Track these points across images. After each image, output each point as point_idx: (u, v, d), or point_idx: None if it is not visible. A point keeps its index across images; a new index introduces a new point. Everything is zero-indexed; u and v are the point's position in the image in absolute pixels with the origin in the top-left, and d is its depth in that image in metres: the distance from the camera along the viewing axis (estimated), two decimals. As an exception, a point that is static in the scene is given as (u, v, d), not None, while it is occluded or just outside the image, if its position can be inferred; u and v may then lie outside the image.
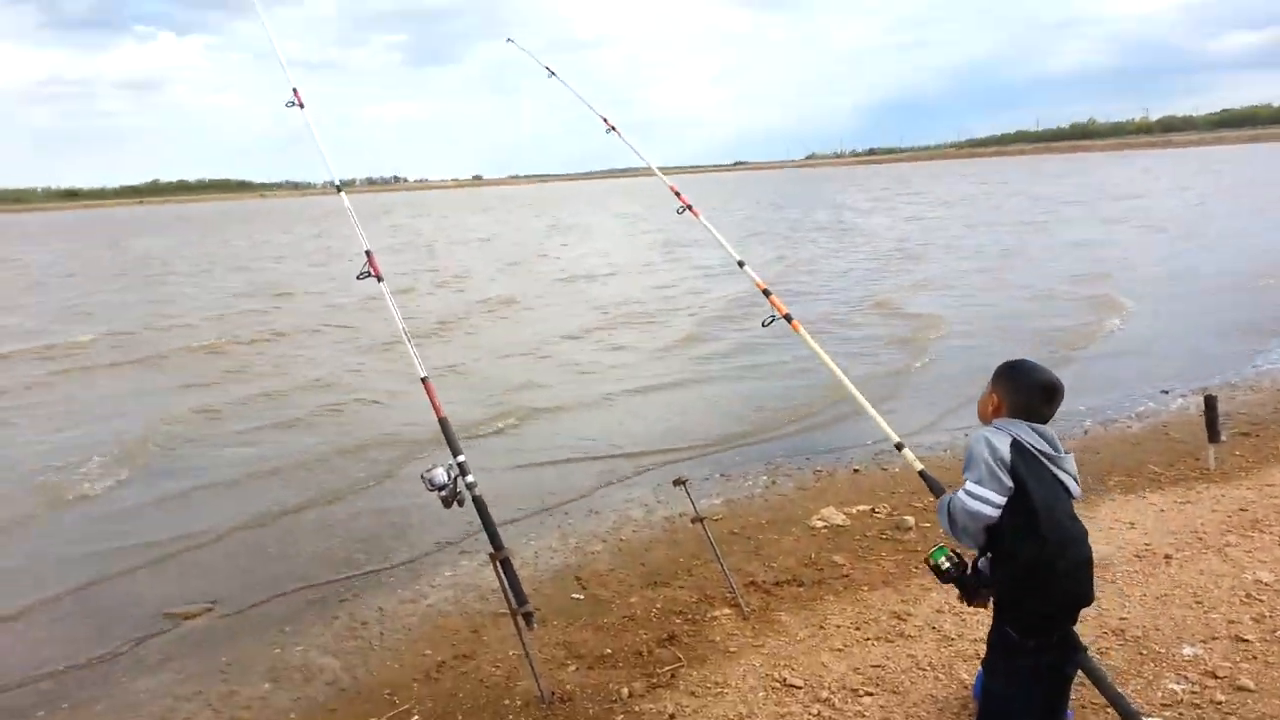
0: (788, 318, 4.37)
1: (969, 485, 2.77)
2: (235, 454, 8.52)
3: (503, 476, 7.37)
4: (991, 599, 3.01)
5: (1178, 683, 3.68)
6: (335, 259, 30.82)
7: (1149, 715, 3.43)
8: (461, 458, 3.99)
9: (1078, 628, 4.03)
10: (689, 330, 14.04)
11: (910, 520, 5.69)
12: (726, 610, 4.66)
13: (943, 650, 4.07)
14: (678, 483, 4.91)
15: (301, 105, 4.44)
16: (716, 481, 7.04)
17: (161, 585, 5.73)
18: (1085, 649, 2.98)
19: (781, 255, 24.76)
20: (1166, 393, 8.73)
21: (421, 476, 3.91)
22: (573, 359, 12.35)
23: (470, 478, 3.95)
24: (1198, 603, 4.35)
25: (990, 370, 2.99)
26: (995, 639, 3.02)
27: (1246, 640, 3.95)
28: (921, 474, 3.59)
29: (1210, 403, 6.27)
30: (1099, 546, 4.98)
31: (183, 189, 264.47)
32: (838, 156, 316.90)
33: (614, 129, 5.61)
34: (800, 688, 3.85)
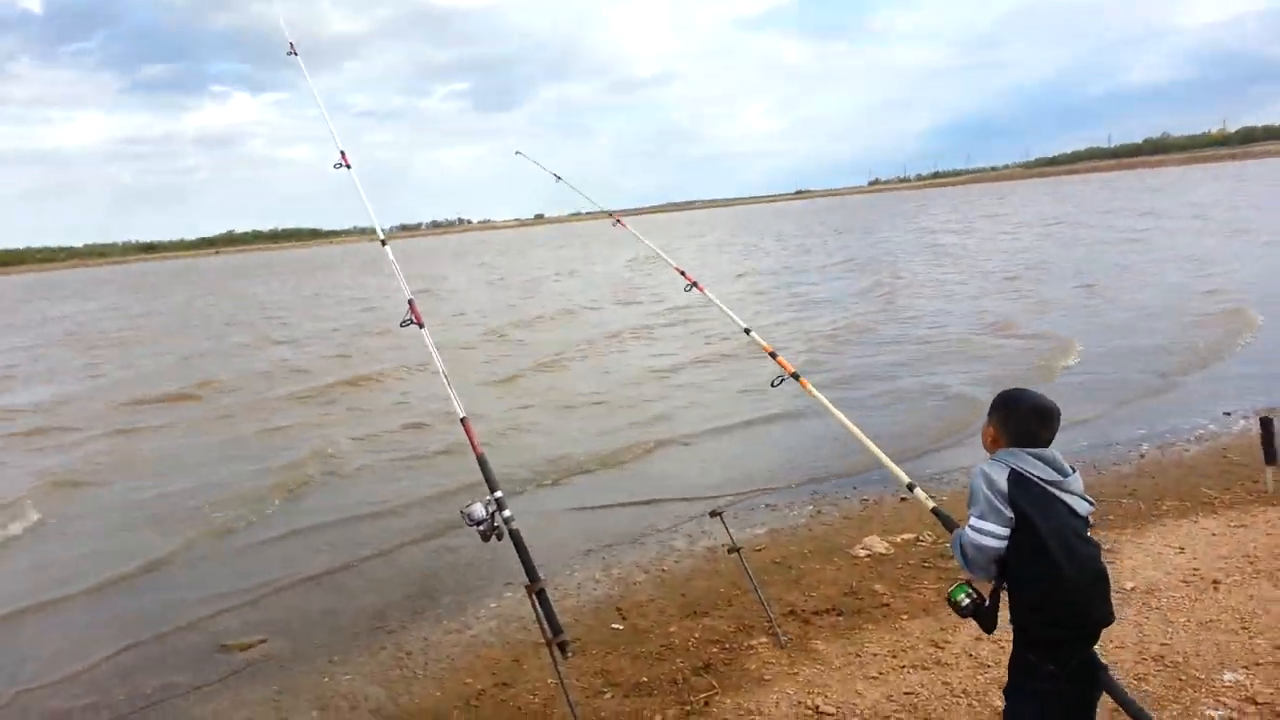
0: (795, 376, 4.44)
1: (972, 520, 2.81)
2: (292, 497, 8.86)
3: (553, 514, 7.51)
4: (1012, 626, 3.02)
5: (1215, 709, 3.61)
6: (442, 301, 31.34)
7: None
8: (499, 493, 4.12)
9: (1120, 653, 4.01)
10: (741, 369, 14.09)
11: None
12: (763, 639, 4.70)
13: (978, 677, 4.05)
14: (714, 514, 4.99)
15: (349, 166, 4.69)
16: (763, 511, 7.07)
17: (219, 619, 5.96)
18: (1106, 668, 2.96)
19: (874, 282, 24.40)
20: (1229, 414, 8.49)
21: (461, 512, 4.04)
22: (630, 398, 12.49)
23: (507, 512, 4.07)
24: (1244, 628, 4.25)
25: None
26: (1016, 664, 3.02)
27: (1292, 667, 3.86)
28: (934, 511, 3.61)
29: (1266, 424, 6.12)
30: (1146, 572, 4.95)
31: (257, 238, 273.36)
32: (901, 181, 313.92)
33: (620, 221, 6.42)
34: (832, 714, 3.87)
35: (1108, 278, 19.99)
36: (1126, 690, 3.17)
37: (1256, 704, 3.62)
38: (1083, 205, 54.66)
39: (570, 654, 4.06)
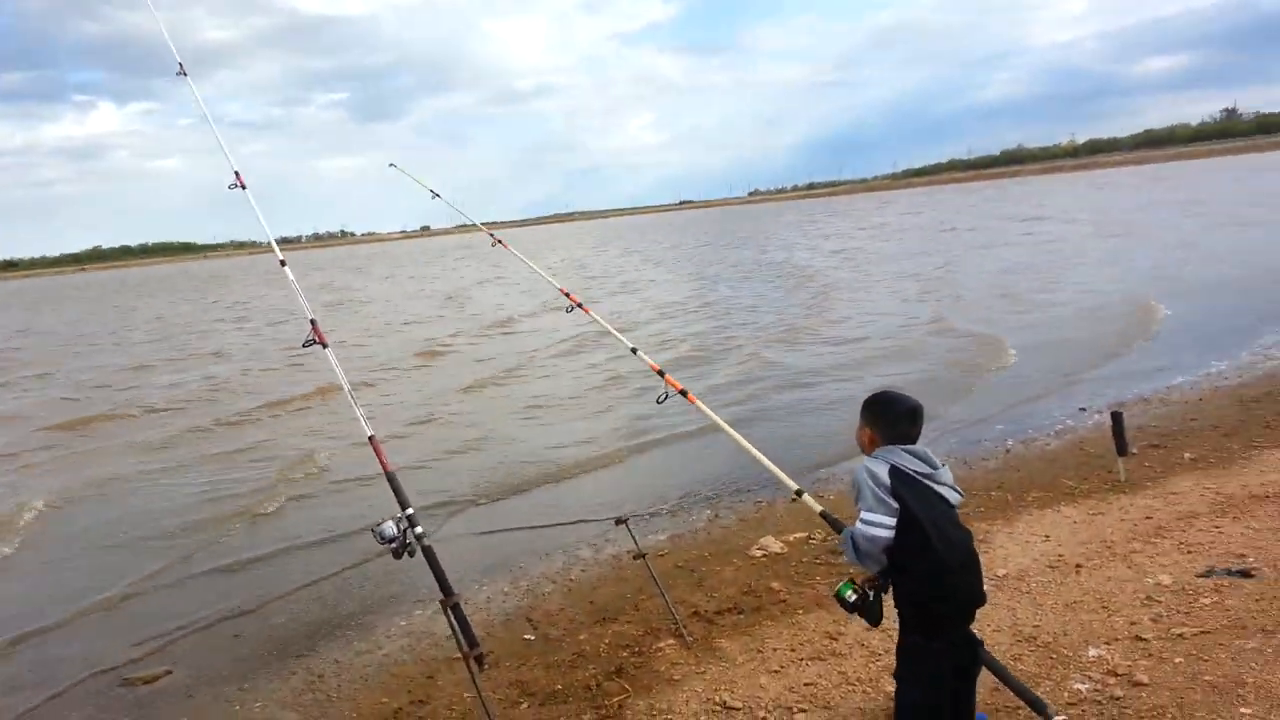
0: (683, 393, 4.69)
1: (863, 514, 3.07)
2: (176, 514, 8.66)
3: (456, 537, 7.53)
4: (898, 613, 3.30)
5: (1082, 682, 3.99)
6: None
7: (1056, 710, 3.73)
8: (410, 510, 4.21)
9: (996, 636, 4.37)
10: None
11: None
12: (671, 641, 4.91)
13: (870, 665, 4.35)
14: (619, 522, 5.17)
15: (244, 187, 4.69)
16: (663, 518, 7.30)
17: (117, 650, 5.80)
18: (982, 643, 3.28)
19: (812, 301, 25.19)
20: (1084, 410, 9.20)
21: (372, 530, 4.10)
22: (517, 407, 12.57)
23: (419, 529, 4.16)
24: (1104, 608, 4.68)
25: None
26: (903, 648, 3.31)
27: (1145, 640, 4.27)
28: (822, 514, 3.89)
29: (1117, 418, 6.71)
30: (1016, 559, 5.38)
31: (126, 254, 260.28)
32: (779, 191, 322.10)
33: (500, 242, 6.39)
34: (739, 709, 4.10)
35: (1031, 282, 20.87)
36: (1002, 663, 3.50)
37: (1117, 675, 4.01)
38: (978, 211, 57.43)
39: (486, 666, 4.19)
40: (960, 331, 15.13)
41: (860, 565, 3.21)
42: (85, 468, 11.04)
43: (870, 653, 4.46)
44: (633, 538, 4.98)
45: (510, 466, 9.34)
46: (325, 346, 4.52)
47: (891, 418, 3.19)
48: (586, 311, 5.30)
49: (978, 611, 3.18)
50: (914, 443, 3.18)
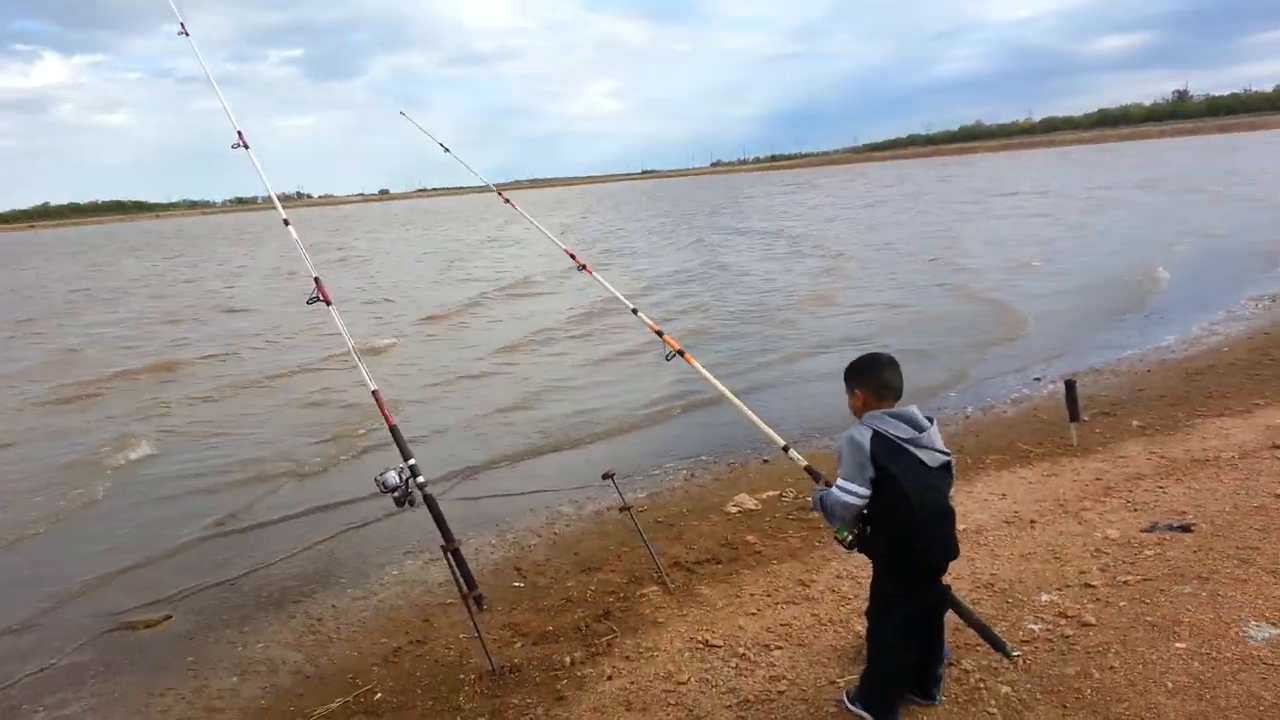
0: (680, 352, 4.96)
1: (840, 481, 3.37)
2: (182, 464, 8.87)
3: (441, 483, 7.77)
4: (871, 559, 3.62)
5: (1035, 623, 4.35)
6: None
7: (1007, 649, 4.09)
8: (413, 461, 4.45)
9: (956, 583, 4.72)
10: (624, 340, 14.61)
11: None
12: (654, 588, 5.21)
13: (841, 609, 4.68)
14: (606, 476, 5.43)
15: (247, 146, 4.84)
16: (642, 478, 7.60)
17: (116, 596, 6.00)
18: (949, 588, 3.61)
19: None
20: (1039, 380, 9.65)
21: (375, 480, 4.35)
22: (503, 370, 12.78)
23: (421, 479, 4.41)
24: (1055, 558, 5.06)
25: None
26: (877, 592, 3.63)
27: (1093, 586, 4.65)
28: (807, 469, 4.21)
29: (1070, 386, 7.11)
30: (975, 515, 5.74)
31: (75, 211, 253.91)
32: (741, 163, 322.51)
33: (505, 197, 6.36)
34: (720, 646, 4.41)
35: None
36: (966, 603, 3.83)
37: (1067, 617, 4.37)
38: (955, 186, 58.08)
39: (485, 607, 4.47)
40: (982, 298, 15.67)
41: (828, 523, 3.51)
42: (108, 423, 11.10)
43: (841, 597, 4.80)
44: (619, 491, 5.25)
45: (501, 435, 9.54)
46: (329, 304, 4.72)
47: (875, 371, 3.48)
48: (590, 273, 5.51)
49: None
50: (899, 392, 3.47)
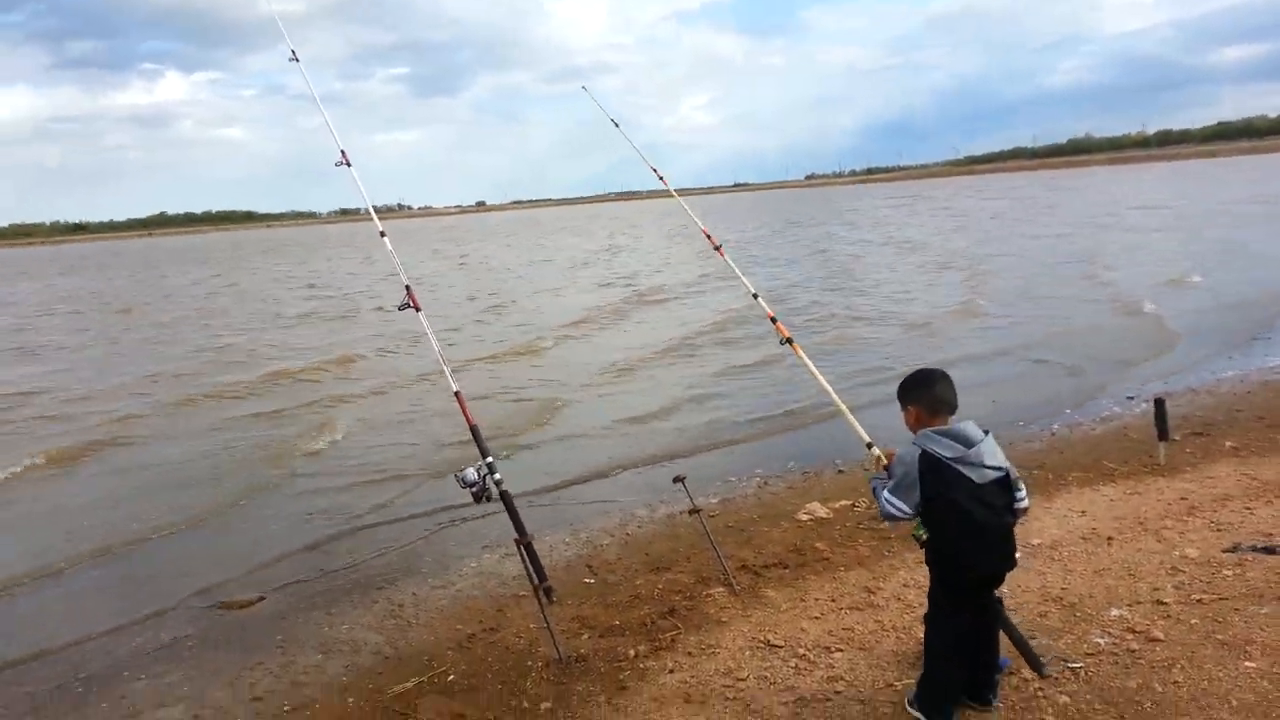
0: (789, 340, 5.06)
1: (887, 494, 3.46)
2: (268, 451, 9.55)
3: (520, 483, 8.03)
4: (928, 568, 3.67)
5: (1101, 637, 4.31)
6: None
7: (1056, 661, 4.06)
8: (490, 459, 4.68)
9: (1025, 596, 4.71)
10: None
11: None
12: (720, 589, 5.32)
13: (905, 616, 4.71)
14: (677, 480, 5.58)
15: (349, 164, 5.15)
16: (715, 484, 7.70)
17: (213, 575, 6.43)
18: (1000, 602, 3.64)
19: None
20: (1131, 398, 9.40)
21: (455, 476, 4.59)
22: (585, 372, 13.07)
23: (498, 475, 4.63)
24: (1130, 575, 4.98)
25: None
26: (933, 598, 3.69)
27: (1165, 603, 4.57)
28: (877, 458, 4.26)
29: (1159, 404, 6.95)
30: (1051, 531, 5.69)
31: (190, 220, 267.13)
32: (837, 175, 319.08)
33: (662, 179, 6.47)
34: (781, 647, 4.50)
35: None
36: (1014, 623, 3.83)
37: (1135, 633, 4.32)
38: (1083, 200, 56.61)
39: (555, 598, 4.65)
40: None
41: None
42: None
43: (905, 605, 4.82)
44: (688, 494, 5.38)
45: (589, 441, 9.80)
46: (418, 310, 5.00)
47: (927, 386, 3.54)
48: (721, 255, 5.71)
49: (1010, 575, 3.54)
50: (954, 407, 3.52)
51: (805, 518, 6.49)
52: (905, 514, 3.43)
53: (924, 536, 3.56)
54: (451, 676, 4.62)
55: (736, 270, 5.62)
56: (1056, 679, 3.89)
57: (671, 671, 4.37)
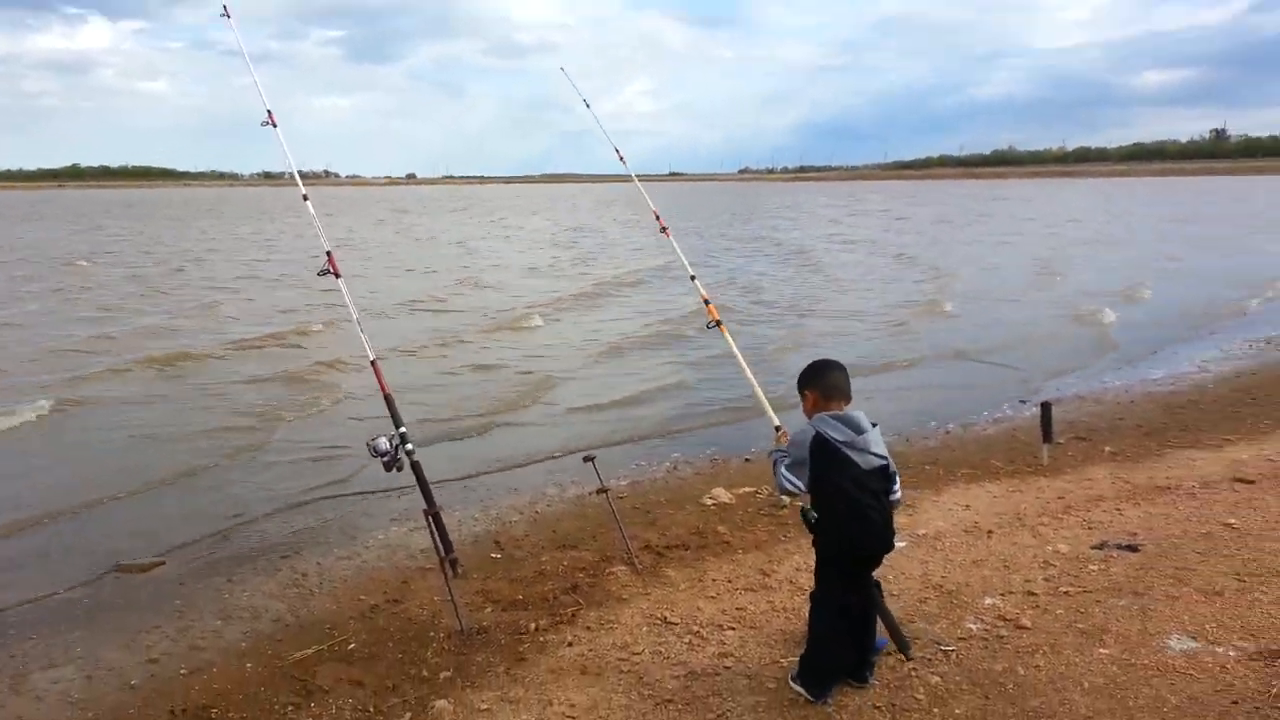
0: (718, 323, 5.25)
1: (784, 467, 3.67)
2: (184, 419, 9.43)
3: (432, 458, 8.08)
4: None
5: (975, 623, 4.59)
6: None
7: (930, 644, 4.33)
8: (403, 429, 4.75)
9: (908, 583, 4.98)
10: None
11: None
12: (623, 567, 5.48)
13: (795, 598, 4.93)
14: (587, 459, 5.71)
15: (275, 125, 5.14)
16: (626, 467, 7.88)
17: (114, 541, 6.34)
18: (878, 585, 3.89)
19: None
20: (1024, 402, 9.88)
21: (367, 444, 4.66)
22: (503, 353, 13.11)
23: (410, 446, 4.71)
24: (1005, 566, 5.30)
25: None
26: (818, 576, 3.92)
27: (1035, 594, 4.88)
28: (777, 428, 4.50)
29: (1046, 407, 7.35)
30: (937, 523, 6.00)
31: (105, 174, 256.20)
32: (770, 172, 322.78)
33: (622, 160, 6.79)
34: (677, 624, 4.68)
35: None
36: (889, 609, 4.09)
37: (1005, 620, 4.61)
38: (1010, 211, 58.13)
39: (460, 571, 4.76)
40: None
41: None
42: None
43: (797, 588, 5.05)
44: (598, 474, 5.52)
45: (497, 414, 9.89)
46: (339, 277, 5.03)
47: (823, 375, 3.76)
48: (668, 235, 5.94)
49: (894, 562, 3.79)
50: (848, 395, 3.75)
51: (709, 502, 6.71)
52: (799, 489, 3.63)
53: (814, 517, 3.77)
54: (352, 645, 4.69)
55: (680, 253, 5.79)
56: (929, 660, 4.15)
57: (570, 645, 4.51)
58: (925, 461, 7.61)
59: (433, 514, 4.65)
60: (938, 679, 4.00)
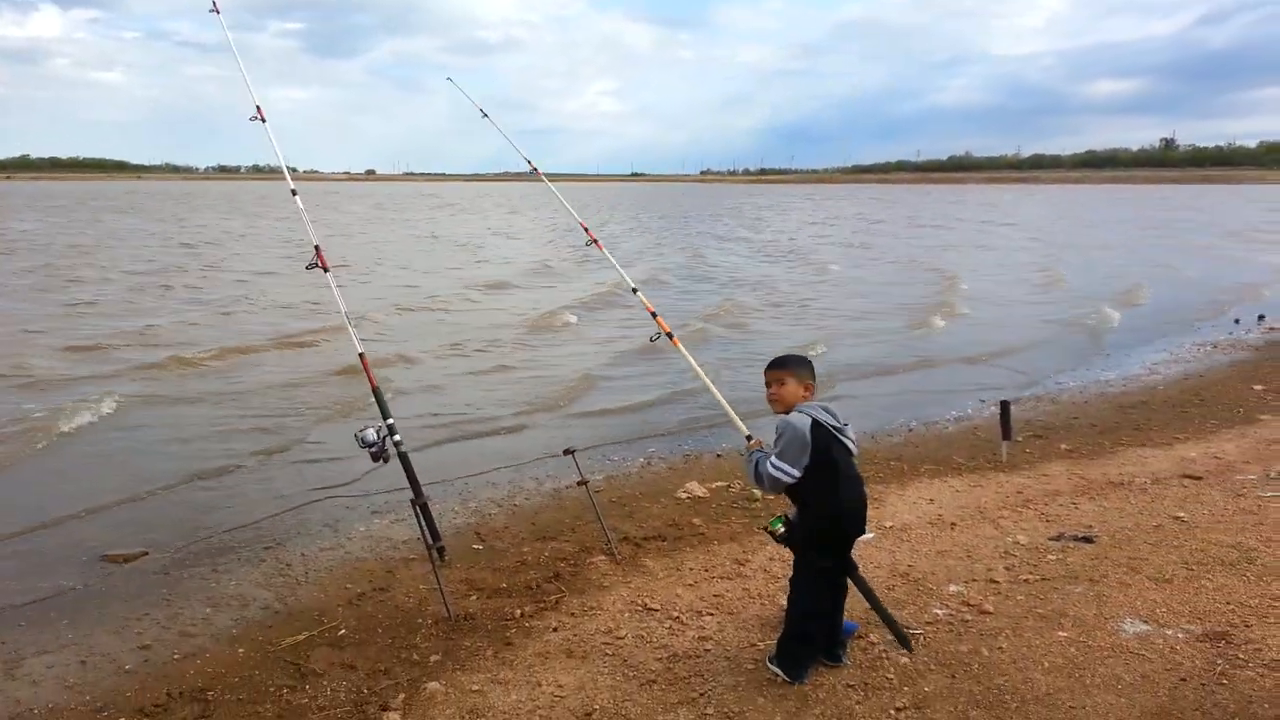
0: (669, 334, 5.38)
1: (774, 459, 3.84)
2: (175, 413, 9.46)
3: (416, 452, 8.18)
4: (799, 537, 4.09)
5: (940, 608, 4.83)
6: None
7: (912, 628, 4.57)
8: (391, 420, 4.88)
9: (876, 571, 5.21)
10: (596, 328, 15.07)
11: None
12: (602, 557, 5.66)
13: (770, 585, 5.15)
14: (567, 452, 5.88)
15: (264, 120, 5.23)
16: (601, 462, 8.05)
17: (99, 532, 6.38)
18: (856, 566, 4.10)
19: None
20: (984, 401, 10.21)
21: (355, 435, 4.77)
22: (482, 348, 13.21)
23: (397, 437, 4.83)
24: (968, 556, 5.55)
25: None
26: (800, 561, 4.11)
27: (997, 582, 5.14)
28: (748, 437, 4.67)
29: (1004, 407, 7.65)
30: (903, 516, 6.25)
31: (55, 166, 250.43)
32: (731, 173, 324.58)
33: (535, 170, 6.61)
34: (657, 610, 4.87)
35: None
36: (867, 580, 4.31)
37: (969, 605, 4.86)
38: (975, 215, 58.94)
39: (446, 559, 4.90)
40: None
41: (755, 486, 4.00)
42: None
43: (771, 576, 5.27)
44: (578, 466, 5.69)
45: (478, 411, 10.01)
46: (326, 270, 5.14)
47: (809, 366, 3.99)
48: (600, 248, 5.89)
49: (863, 553, 4.00)
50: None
51: (684, 496, 6.90)
52: (793, 476, 3.80)
53: (780, 530, 3.97)
54: (342, 631, 4.81)
55: (616, 265, 5.92)
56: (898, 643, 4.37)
57: (555, 630, 4.68)
58: (891, 458, 7.88)
59: (420, 503, 4.78)
60: (906, 660, 4.23)
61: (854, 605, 4.17)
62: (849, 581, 4.10)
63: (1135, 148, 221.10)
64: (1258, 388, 10.61)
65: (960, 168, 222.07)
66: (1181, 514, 6.06)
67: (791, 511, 4.03)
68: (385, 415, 4.90)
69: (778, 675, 4.08)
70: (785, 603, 4.77)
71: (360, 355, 4.99)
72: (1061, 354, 13.52)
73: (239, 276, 22.88)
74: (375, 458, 4.79)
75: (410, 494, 4.78)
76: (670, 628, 4.66)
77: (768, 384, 4.02)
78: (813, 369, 4.02)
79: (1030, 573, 5.22)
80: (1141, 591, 4.85)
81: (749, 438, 4.69)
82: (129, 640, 4.80)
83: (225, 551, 6.05)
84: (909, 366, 12.63)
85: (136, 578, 5.65)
